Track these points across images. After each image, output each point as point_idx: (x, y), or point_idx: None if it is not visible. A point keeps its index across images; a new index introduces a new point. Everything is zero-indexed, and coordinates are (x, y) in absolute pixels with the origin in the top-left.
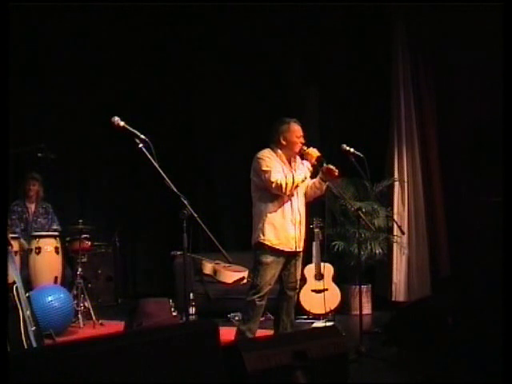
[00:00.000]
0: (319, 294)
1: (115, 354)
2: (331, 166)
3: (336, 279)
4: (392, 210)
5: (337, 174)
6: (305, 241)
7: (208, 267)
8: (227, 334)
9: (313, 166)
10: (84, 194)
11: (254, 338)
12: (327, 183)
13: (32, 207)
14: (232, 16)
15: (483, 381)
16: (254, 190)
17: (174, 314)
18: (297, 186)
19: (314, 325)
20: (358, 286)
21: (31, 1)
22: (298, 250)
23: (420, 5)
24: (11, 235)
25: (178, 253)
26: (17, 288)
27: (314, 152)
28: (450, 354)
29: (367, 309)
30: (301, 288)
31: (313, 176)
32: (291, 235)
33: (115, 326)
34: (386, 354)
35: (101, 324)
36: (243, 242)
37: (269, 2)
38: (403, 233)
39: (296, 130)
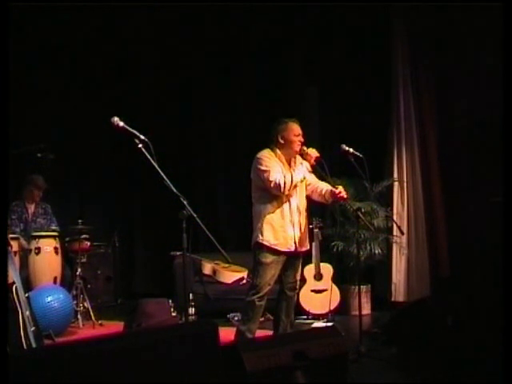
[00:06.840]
0: (319, 294)
1: (115, 354)
2: (343, 197)
3: (335, 279)
4: (391, 210)
5: (345, 197)
6: None
7: (207, 267)
8: (227, 334)
9: (312, 166)
10: (84, 194)
11: (253, 339)
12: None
13: (31, 207)
14: (232, 16)
15: (483, 381)
16: (254, 190)
17: (174, 314)
18: (295, 186)
19: (314, 325)
20: (357, 287)
21: (32, 0)
22: (298, 250)
23: (420, 4)
24: (11, 235)
25: (178, 253)
26: (16, 288)
27: (313, 152)
28: (449, 353)
29: (367, 309)
30: (300, 288)
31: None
32: (290, 235)
33: (115, 327)
34: (386, 353)
35: (100, 324)
36: (243, 242)
37: (269, 1)
38: (403, 233)
39: (294, 129)
